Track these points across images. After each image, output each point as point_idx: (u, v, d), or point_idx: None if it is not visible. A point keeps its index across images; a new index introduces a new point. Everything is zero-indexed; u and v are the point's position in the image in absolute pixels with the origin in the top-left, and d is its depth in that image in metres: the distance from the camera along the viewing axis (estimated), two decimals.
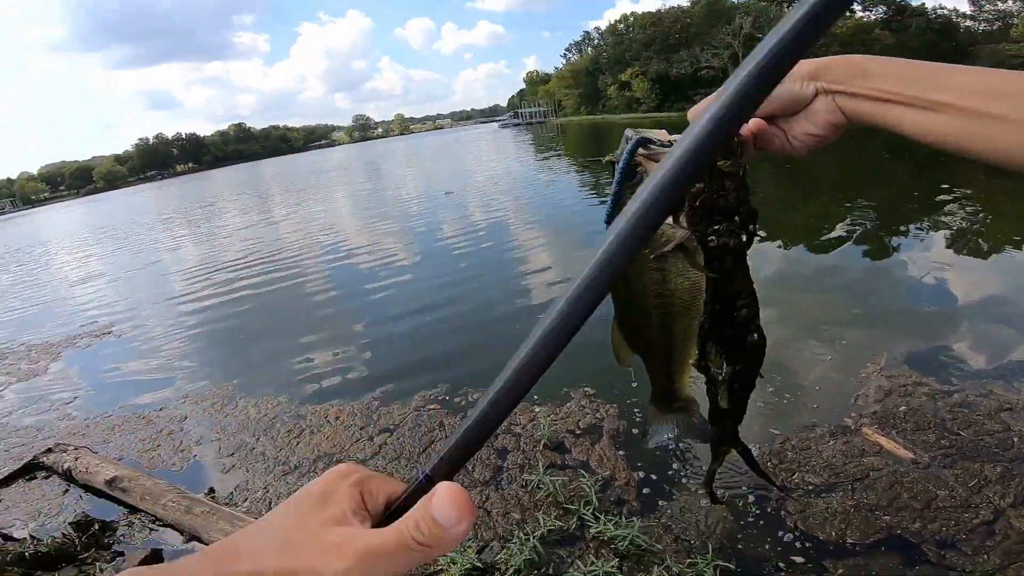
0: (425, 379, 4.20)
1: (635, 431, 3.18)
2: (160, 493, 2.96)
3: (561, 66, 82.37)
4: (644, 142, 0.51)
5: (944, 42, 33.99)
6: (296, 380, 4.65)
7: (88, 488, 3.31)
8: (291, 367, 4.95)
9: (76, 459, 3.48)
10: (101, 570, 2.58)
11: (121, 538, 2.87)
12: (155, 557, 2.62)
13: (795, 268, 5.98)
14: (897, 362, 3.56)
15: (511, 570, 2.26)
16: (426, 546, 0.32)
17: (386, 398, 4.03)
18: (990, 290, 4.94)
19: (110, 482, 3.15)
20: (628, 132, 0.53)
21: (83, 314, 8.36)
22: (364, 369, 4.69)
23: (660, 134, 0.53)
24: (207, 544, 2.59)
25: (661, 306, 0.54)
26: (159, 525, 2.90)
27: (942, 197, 8.99)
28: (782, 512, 2.41)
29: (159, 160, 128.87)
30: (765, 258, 6.30)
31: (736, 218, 0.55)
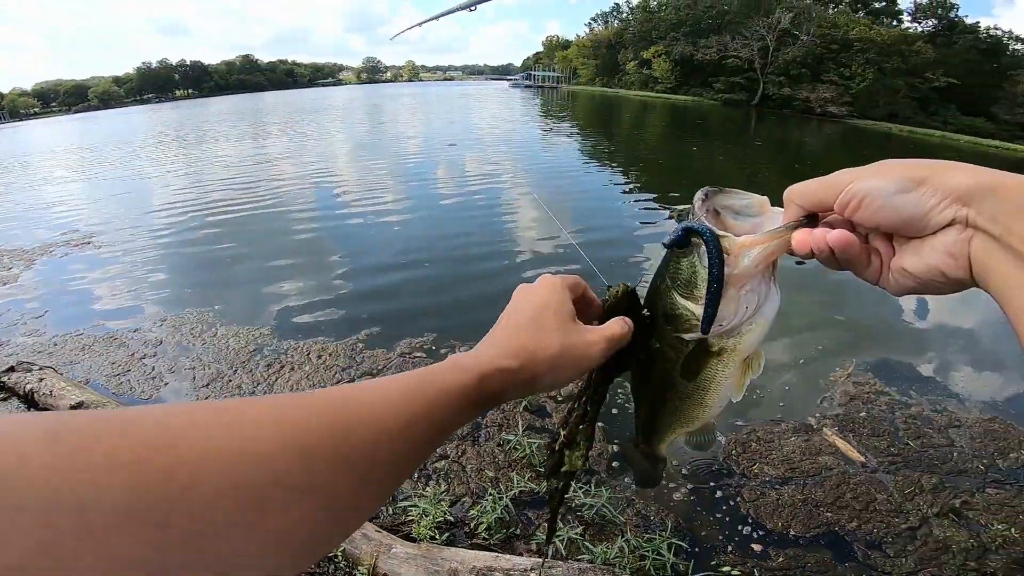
0: (412, 327, 4.17)
1: (617, 403, 3.30)
2: None
3: (584, 34, 79.80)
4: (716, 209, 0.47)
5: (987, 63, 33.18)
6: (280, 313, 4.55)
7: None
8: (276, 300, 4.83)
9: (40, 380, 3.31)
10: None
11: None
12: None
13: (780, 271, 6.06)
14: (865, 370, 3.71)
15: (482, 527, 2.36)
16: (620, 341, 0.51)
17: (371, 341, 4.00)
18: (960, 313, 5.08)
19: (75, 407, 3.04)
20: (698, 197, 0.47)
21: (62, 223, 7.97)
22: (351, 309, 4.60)
23: (736, 199, 0.47)
24: None
25: (663, 379, 0.54)
26: None
27: None
28: (737, 499, 2.56)
29: (159, 84, 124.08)
30: None
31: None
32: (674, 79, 50.52)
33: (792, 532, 2.40)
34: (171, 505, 0.24)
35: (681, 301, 0.47)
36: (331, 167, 12.23)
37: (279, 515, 0.27)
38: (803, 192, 0.42)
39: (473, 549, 2.20)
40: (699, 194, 0.47)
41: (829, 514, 2.49)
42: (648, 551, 2.19)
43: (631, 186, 10.23)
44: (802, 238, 0.42)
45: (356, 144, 16.78)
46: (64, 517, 0.21)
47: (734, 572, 2.18)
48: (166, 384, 3.58)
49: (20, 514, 0.20)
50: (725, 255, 0.44)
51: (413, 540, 2.25)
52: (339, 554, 2.15)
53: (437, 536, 2.27)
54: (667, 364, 0.52)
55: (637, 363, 0.56)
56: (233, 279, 5.49)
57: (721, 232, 0.44)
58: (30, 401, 3.29)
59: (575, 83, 76.02)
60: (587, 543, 2.26)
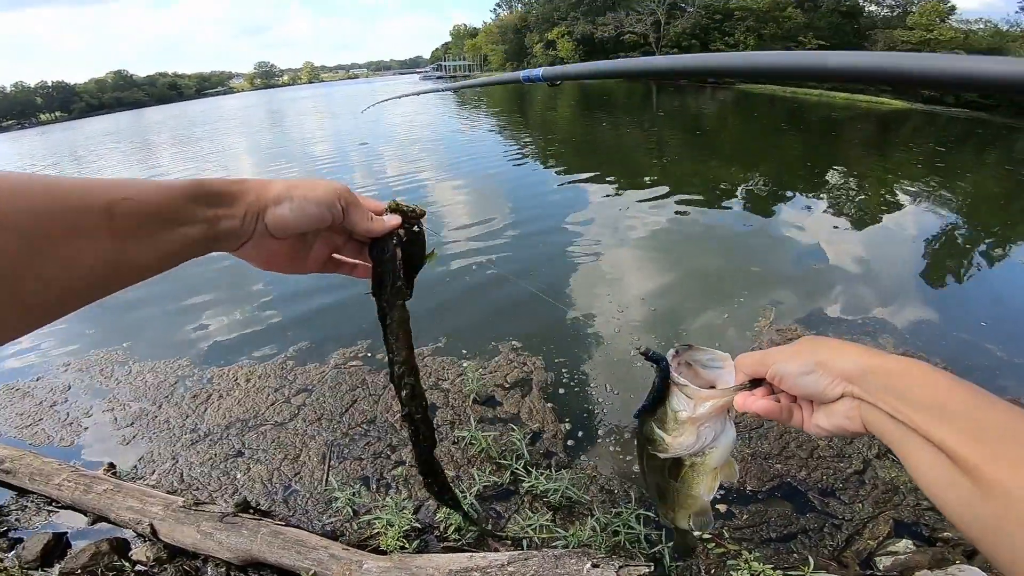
0: (344, 335, 4.02)
1: (563, 382, 3.35)
2: (51, 472, 2.69)
3: (490, 21, 79.52)
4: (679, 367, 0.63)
5: (847, 24, 36.53)
6: (197, 341, 4.27)
7: None
8: (190, 327, 4.52)
9: None
10: (0, 560, 2.33)
11: (16, 523, 2.59)
12: (59, 542, 2.42)
13: (698, 228, 6.44)
14: (785, 317, 4.02)
15: (451, 528, 2.33)
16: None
17: (302, 357, 3.83)
18: (860, 254, 5.65)
19: None
20: (649, 354, 0.63)
21: None
22: (273, 327, 4.39)
23: (708, 355, 0.63)
24: (116, 524, 2.42)
25: (657, 477, 0.71)
26: (57, 507, 2.65)
27: (830, 167, 10.01)
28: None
29: (17, 109, 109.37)
30: (673, 217, 6.71)
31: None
32: (578, 58, 51.72)
33: (749, 488, 2.52)
34: None
35: (655, 429, 0.64)
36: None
37: None
38: (747, 364, 0.59)
39: (446, 552, 2.17)
40: (672, 351, 0.63)
41: (779, 465, 2.64)
42: (619, 525, 2.24)
43: (551, 165, 10.38)
44: (740, 401, 0.58)
45: (261, 153, 15.75)
46: None
47: (704, 535, 2.28)
48: (85, 428, 3.31)
49: None
50: (688, 400, 0.60)
51: (383, 553, 2.18)
52: None
53: (407, 545, 2.21)
54: (657, 468, 0.69)
55: (640, 463, 0.74)
56: (137, 312, 4.99)
57: (684, 382, 0.60)
58: None
59: (486, 70, 75.81)
60: (558, 528, 2.28)
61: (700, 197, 7.71)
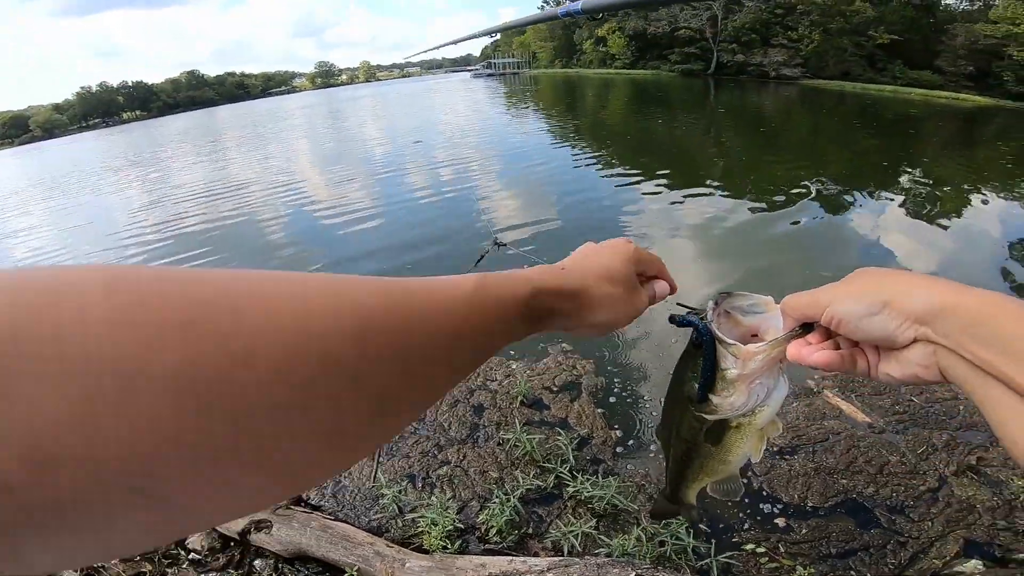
0: None
1: (614, 388, 3.25)
2: None
3: None
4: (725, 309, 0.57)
5: (924, 18, 34.03)
6: None
7: None
8: None
9: None
10: None
11: None
12: None
13: (763, 230, 6.12)
14: None
15: (492, 530, 2.30)
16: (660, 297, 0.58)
17: None
18: (937, 255, 5.19)
19: None
20: (710, 304, 0.56)
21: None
22: None
23: (750, 301, 0.57)
24: None
25: (690, 442, 0.64)
26: None
27: (907, 167, 9.30)
28: (748, 473, 2.52)
29: (103, 108, 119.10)
30: (735, 219, 6.41)
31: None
32: (631, 54, 50.70)
33: (810, 503, 2.37)
34: (220, 380, 0.20)
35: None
36: (295, 172, 11.90)
37: (325, 402, 0.24)
38: (795, 307, 0.51)
39: (487, 555, 2.14)
40: (711, 302, 0.55)
41: (844, 480, 2.46)
42: (666, 537, 2.14)
43: (604, 164, 10.19)
44: (793, 353, 0.50)
45: (325, 152, 16.38)
46: (112, 379, 0.18)
47: (758, 549, 2.15)
48: None
49: (69, 368, 0.17)
50: (735, 359, 0.53)
51: (426, 552, 2.18)
52: (354, 573, 2.07)
53: (449, 545, 2.20)
54: (693, 430, 0.61)
55: (670, 425, 0.66)
56: None
57: (731, 341, 0.53)
58: None
59: (535, 67, 75.84)
60: (602, 536, 2.21)
61: (765, 198, 7.34)
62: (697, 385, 0.56)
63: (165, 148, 24.78)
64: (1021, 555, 2.03)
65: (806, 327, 0.51)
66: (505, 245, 4.22)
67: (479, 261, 3.83)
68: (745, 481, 2.37)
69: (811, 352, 0.49)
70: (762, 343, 0.53)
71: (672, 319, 0.58)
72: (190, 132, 34.34)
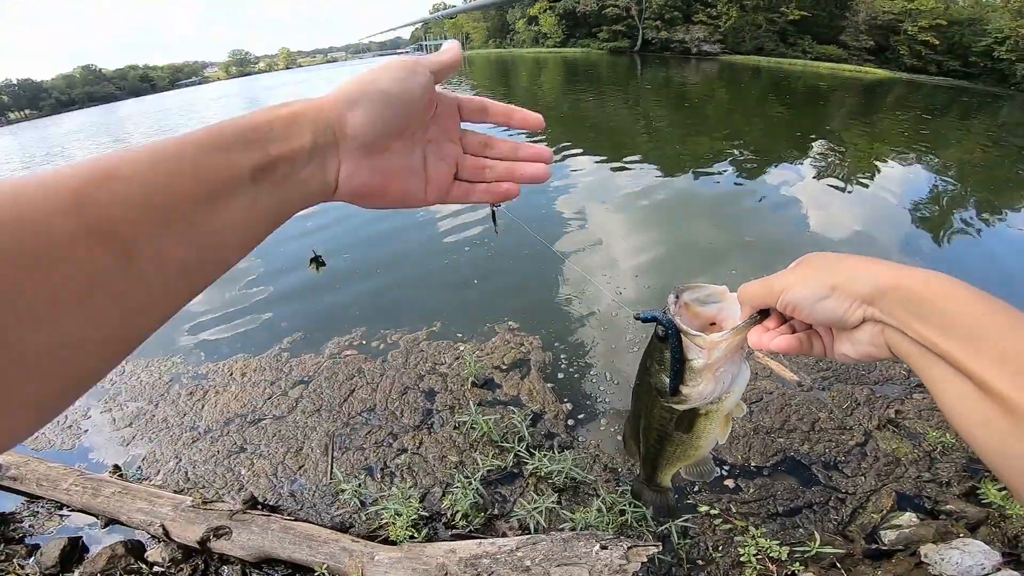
0: (338, 325, 3.98)
1: (561, 363, 3.35)
2: (58, 477, 2.65)
3: None
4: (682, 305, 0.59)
5: None
6: (188, 337, 4.18)
7: None
8: (182, 321, 4.41)
9: None
10: (21, 567, 2.31)
11: (30, 529, 2.56)
12: (75, 546, 2.40)
13: (687, 200, 6.43)
14: None
15: (458, 515, 2.33)
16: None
17: (296, 348, 3.78)
18: (850, 220, 5.67)
19: None
20: (671, 298, 0.58)
21: None
22: (268, 318, 4.31)
23: (705, 292, 0.59)
24: (128, 526, 2.40)
25: (661, 431, 0.68)
26: (68, 511, 2.62)
27: (817, 136, 10.00)
28: (718, 454, 2.62)
29: None
30: (661, 190, 6.69)
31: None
32: (561, 33, 50.83)
33: (753, 463, 2.54)
34: None
35: (668, 381, 0.60)
36: None
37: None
38: (751, 295, 0.53)
39: (455, 540, 2.17)
40: (671, 296, 0.58)
41: (781, 439, 2.66)
42: (625, 504, 2.26)
43: (538, 138, 10.24)
44: (755, 340, 0.54)
45: None
46: None
47: (712, 511, 2.29)
48: (85, 431, 3.28)
49: None
50: (700, 349, 0.56)
51: (393, 543, 2.18)
52: (324, 572, 2.05)
53: (416, 534, 2.22)
54: (664, 420, 0.66)
55: (640, 415, 0.70)
56: None
57: (696, 333, 0.56)
58: None
59: (469, 48, 74.51)
60: (565, 511, 2.29)
61: (689, 169, 7.68)
62: (667, 378, 0.59)
63: (65, 148, 22.43)
64: (948, 506, 2.26)
65: (763, 313, 0.54)
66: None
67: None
68: (717, 463, 2.54)
69: (771, 338, 0.53)
70: (724, 331, 0.56)
71: (637, 317, 0.59)
72: (84, 130, 31.24)
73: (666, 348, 0.58)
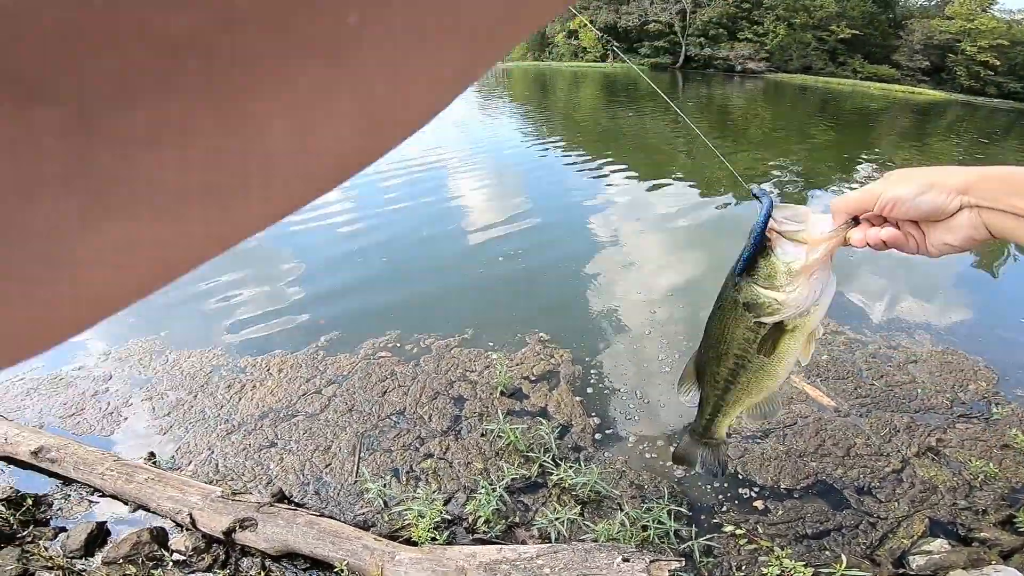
0: (373, 326, 4.04)
1: (590, 376, 3.33)
2: (95, 461, 2.77)
3: None
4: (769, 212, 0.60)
5: (884, 13, 35.25)
6: (231, 329, 4.29)
7: (11, 460, 3.02)
8: (225, 316, 4.55)
9: None
10: (46, 548, 2.41)
11: (59, 512, 2.66)
12: (100, 531, 2.49)
13: (726, 221, 6.30)
14: None
15: (480, 520, 2.33)
16: None
17: (332, 347, 3.86)
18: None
19: (36, 452, 2.87)
20: (755, 190, 0.60)
21: None
22: (307, 316, 4.40)
23: (790, 211, 0.60)
24: (156, 514, 2.50)
25: (740, 357, 0.65)
26: (100, 496, 2.72)
27: (865, 158, 9.68)
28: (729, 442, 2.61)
29: None
30: (700, 210, 6.58)
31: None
32: (601, 48, 50.98)
33: (784, 485, 2.47)
34: None
35: (762, 291, 0.59)
36: None
37: None
38: (847, 202, 0.59)
39: (476, 544, 2.18)
40: (754, 188, 0.61)
41: (814, 463, 2.58)
42: (649, 521, 2.22)
43: (575, 155, 10.27)
44: (859, 236, 0.58)
45: None
46: None
47: (737, 531, 2.23)
48: (125, 419, 3.37)
49: None
50: (800, 247, 0.57)
51: (415, 544, 2.20)
52: (344, 568, 2.08)
53: (438, 536, 2.23)
54: (746, 342, 0.63)
55: (707, 356, 0.67)
56: (172, 301, 5.10)
57: (798, 226, 0.57)
58: None
59: (507, 60, 75.68)
60: (587, 522, 2.27)
61: (729, 189, 7.54)
62: (758, 287, 0.59)
63: None
64: (983, 534, 2.17)
65: (855, 220, 0.59)
66: None
67: None
68: (747, 485, 2.48)
69: (876, 233, 0.57)
70: (827, 232, 0.58)
71: (752, 192, 0.62)
72: None
73: (762, 258, 0.59)
